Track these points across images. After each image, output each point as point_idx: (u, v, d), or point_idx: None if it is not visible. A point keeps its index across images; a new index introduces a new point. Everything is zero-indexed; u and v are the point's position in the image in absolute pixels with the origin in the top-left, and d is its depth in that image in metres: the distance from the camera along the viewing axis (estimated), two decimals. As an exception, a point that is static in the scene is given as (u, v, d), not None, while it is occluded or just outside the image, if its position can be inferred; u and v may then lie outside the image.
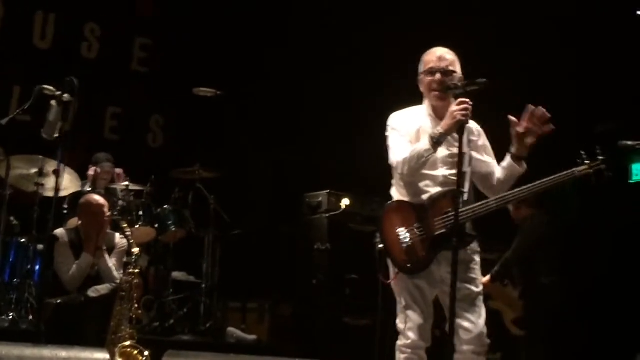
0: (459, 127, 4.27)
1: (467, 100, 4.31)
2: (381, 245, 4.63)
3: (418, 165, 4.43)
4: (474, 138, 4.59)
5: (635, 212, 7.80)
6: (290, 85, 10.12)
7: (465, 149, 4.34)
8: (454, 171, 4.41)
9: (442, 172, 4.48)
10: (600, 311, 7.79)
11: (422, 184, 4.54)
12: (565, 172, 4.42)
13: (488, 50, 8.24)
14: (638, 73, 7.76)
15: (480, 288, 4.56)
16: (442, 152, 4.45)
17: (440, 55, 4.61)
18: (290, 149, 9.82)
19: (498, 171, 4.60)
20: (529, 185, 4.46)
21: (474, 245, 4.58)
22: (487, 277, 7.17)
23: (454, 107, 4.33)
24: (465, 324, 4.44)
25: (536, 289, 7.27)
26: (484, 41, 8.33)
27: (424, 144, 4.41)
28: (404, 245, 4.51)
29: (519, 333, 7.46)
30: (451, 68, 4.57)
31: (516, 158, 4.52)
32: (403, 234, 4.52)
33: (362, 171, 8.89)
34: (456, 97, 4.37)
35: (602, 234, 8.04)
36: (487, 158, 4.64)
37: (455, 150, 4.33)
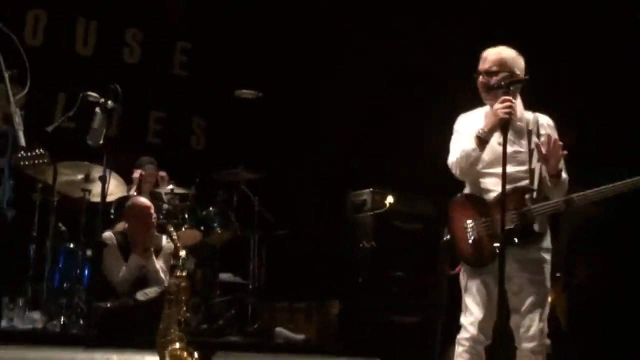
0: (503, 125, 4.32)
1: (509, 98, 4.37)
2: (447, 237, 4.72)
3: (467, 165, 4.54)
4: (543, 132, 4.60)
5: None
6: (331, 84, 10.10)
7: (534, 144, 4.47)
8: (521, 167, 4.52)
9: (508, 168, 4.40)
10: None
11: (489, 181, 4.61)
12: (635, 179, 4.38)
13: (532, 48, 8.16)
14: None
15: (547, 288, 4.56)
16: (509, 149, 4.41)
17: (485, 57, 4.68)
18: (333, 148, 9.81)
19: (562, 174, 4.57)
20: (600, 188, 4.44)
21: (546, 244, 4.58)
22: None
23: (496, 106, 4.39)
24: (527, 322, 4.47)
25: (576, 284, 7.21)
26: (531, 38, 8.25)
27: (470, 143, 4.50)
28: (471, 238, 4.58)
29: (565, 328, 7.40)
30: (494, 68, 4.60)
31: (550, 176, 4.50)
32: (470, 227, 4.59)
33: (405, 168, 8.85)
34: (498, 95, 4.45)
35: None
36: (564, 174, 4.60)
37: (518, 147, 4.51)
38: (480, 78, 4.62)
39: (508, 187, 4.39)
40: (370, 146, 9.51)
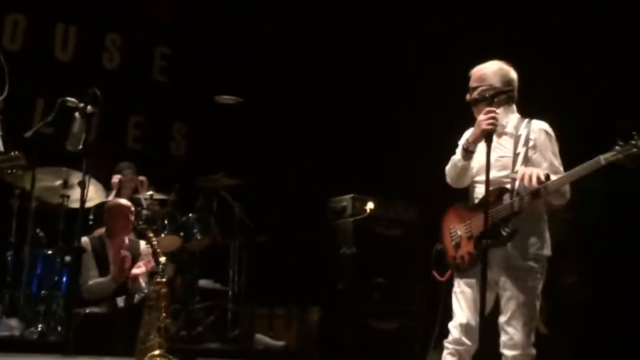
0: (486, 135, 4.41)
1: (493, 109, 4.48)
2: (439, 246, 4.89)
3: (455, 174, 4.76)
4: (533, 137, 4.65)
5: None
6: (313, 90, 10.11)
7: (521, 149, 4.60)
8: (505, 172, 4.61)
9: (493, 174, 4.49)
10: (627, 309, 7.71)
11: (477, 187, 4.76)
12: (590, 161, 4.38)
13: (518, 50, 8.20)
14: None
15: (532, 296, 4.57)
16: (493, 156, 4.48)
17: (470, 73, 4.84)
18: (314, 154, 9.80)
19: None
20: (557, 177, 4.47)
21: (533, 251, 4.60)
22: None
23: (481, 117, 4.50)
24: (510, 330, 4.50)
25: (560, 289, 7.22)
26: (510, 41, 8.29)
27: (457, 153, 4.71)
28: (453, 242, 4.78)
29: (547, 333, 7.41)
30: (474, 84, 4.77)
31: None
32: (454, 231, 4.80)
33: (386, 175, 8.86)
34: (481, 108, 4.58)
35: (628, 231, 7.95)
36: (545, 160, 4.64)
37: (503, 153, 4.63)
38: (467, 95, 4.77)
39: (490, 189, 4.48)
40: (351, 152, 9.50)
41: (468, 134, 4.76)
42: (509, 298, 4.50)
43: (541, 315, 7.16)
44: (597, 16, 8.01)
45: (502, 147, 4.66)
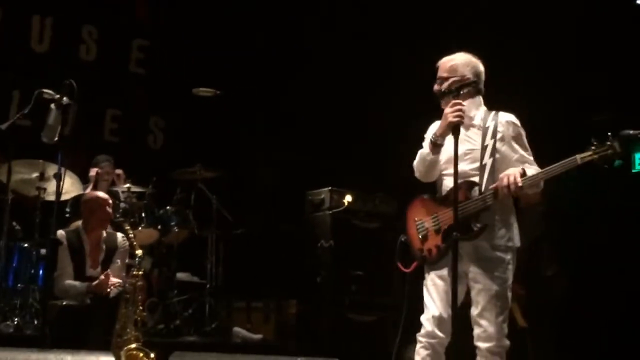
0: (454, 128, 4.42)
1: (459, 102, 4.49)
2: (403, 237, 4.85)
3: (424, 168, 4.73)
4: (501, 129, 4.67)
5: (637, 202, 7.77)
6: (290, 83, 10.10)
7: (489, 141, 4.59)
8: (473, 165, 4.62)
9: (462, 167, 4.52)
10: (604, 301, 7.76)
11: (445, 180, 4.76)
12: (567, 159, 4.43)
13: (486, 41, 8.23)
14: (636, 63, 7.74)
15: (506, 288, 4.59)
16: (461, 148, 4.51)
17: (439, 64, 4.86)
18: (291, 147, 9.80)
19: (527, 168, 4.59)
20: (532, 174, 4.49)
21: (502, 242, 4.62)
22: None
23: (447, 110, 4.51)
24: (483, 322, 4.51)
25: (538, 281, 7.25)
26: (481, 31, 8.31)
27: (425, 147, 4.70)
28: (420, 235, 4.75)
29: (526, 325, 7.44)
30: (445, 75, 4.78)
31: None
32: (420, 224, 4.77)
33: (364, 168, 8.87)
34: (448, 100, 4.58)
35: (604, 223, 8.01)
36: (514, 151, 4.67)
37: (472, 146, 4.63)
38: (435, 86, 4.79)
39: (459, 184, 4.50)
40: (329, 145, 9.51)
41: (434, 127, 4.76)
42: (480, 290, 4.51)
43: (519, 307, 7.24)
44: (571, 11, 8.07)
45: (470, 139, 4.67)
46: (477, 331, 4.52)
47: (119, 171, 8.45)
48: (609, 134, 4.41)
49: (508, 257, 4.61)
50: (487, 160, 4.55)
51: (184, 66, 10.18)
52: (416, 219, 4.79)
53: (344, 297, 8.21)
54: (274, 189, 9.95)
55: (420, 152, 4.73)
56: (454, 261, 4.19)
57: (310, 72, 9.90)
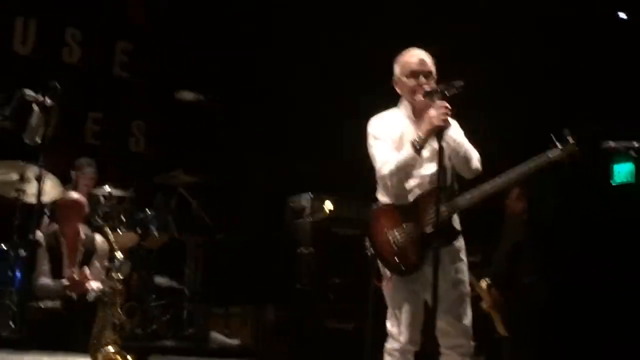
0: (439, 132, 4.28)
1: (446, 104, 4.32)
2: (371, 250, 4.65)
3: (405, 174, 4.48)
4: (452, 134, 4.52)
5: (617, 213, 7.83)
6: (272, 89, 10.11)
7: (443, 143, 4.31)
8: (434, 169, 4.41)
9: (428, 170, 4.50)
10: (584, 310, 7.81)
11: (409, 185, 4.55)
12: (538, 156, 4.45)
13: (472, 49, 8.28)
14: (619, 74, 7.81)
15: (468, 289, 4.60)
16: (424, 151, 4.44)
17: (422, 59, 4.63)
18: (273, 153, 9.81)
19: (477, 156, 4.59)
20: (507, 171, 4.49)
21: (460, 244, 4.59)
22: (485, 285, 7.24)
23: (432, 112, 4.33)
24: (451, 327, 4.46)
25: (518, 289, 7.29)
26: (466, 38, 8.37)
27: (408, 152, 4.42)
28: (396, 247, 4.52)
29: (506, 334, 7.47)
30: (432, 70, 4.60)
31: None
32: (393, 236, 4.54)
33: (344, 174, 8.88)
34: (433, 101, 4.38)
35: (584, 234, 8.07)
36: (459, 138, 4.57)
37: (436, 146, 4.32)
38: (422, 79, 4.56)
39: (425, 190, 4.49)
40: (310, 152, 9.52)
41: (380, 122, 4.66)
42: (447, 293, 4.35)
43: (500, 316, 7.28)
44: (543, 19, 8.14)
45: (431, 141, 4.44)
46: (446, 334, 4.45)
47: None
48: (565, 129, 4.43)
49: (465, 257, 4.60)
50: (447, 163, 4.41)
51: (167, 70, 10.17)
52: (387, 230, 4.55)
53: (323, 305, 8.22)
54: (254, 195, 9.95)
55: (397, 159, 4.44)
56: (435, 268, 4.07)
57: (295, 76, 9.91)
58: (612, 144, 5.43)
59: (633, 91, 7.78)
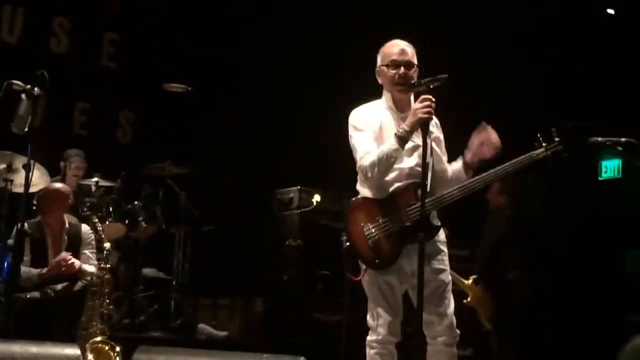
0: (423, 124, 4.30)
1: (430, 97, 4.33)
2: (348, 243, 4.62)
3: (387, 166, 4.46)
4: (433, 129, 4.58)
5: (604, 208, 7.86)
6: (260, 81, 10.09)
7: (427, 140, 4.32)
8: (417, 162, 4.46)
9: (407, 164, 4.52)
10: (568, 306, 7.84)
11: (388, 178, 4.55)
12: (524, 156, 4.50)
13: (454, 48, 8.30)
14: (605, 70, 7.84)
15: (449, 279, 4.63)
16: (410, 145, 4.47)
17: (402, 49, 4.63)
18: (261, 145, 9.80)
19: (448, 169, 4.67)
20: (491, 171, 4.53)
21: (441, 236, 4.63)
22: (471, 280, 7.25)
23: (417, 105, 4.35)
24: (435, 316, 4.48)
25: (502, 285, 7.31)
26: (450, 38, 8.39)
27: (391, 144, 4.42)
28: (370, 240, 4.52)
29: (490, 328, 7.49)
30: (413, 60, 4.61)
31: (466, 166, 4.61)
32: (368, 229, 4.53)
33: (332, 167, 8.88)
34: (419, 94, 4.40)
35: (571, 230, 8.10)
36: (442, 153, 4.70)
37: (418, 142, 4.37)
38: (402, 70, 4.57)
39: (404, 183, 4.50)
40: (298, 143, 9.52)
41: (361, 113, 4.67)
42: (429, 286, 4.36)
43: (485, 311, 7.29)
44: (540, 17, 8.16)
45: (416, 136, 4.47)
46: (430, 326, 4.47)
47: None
48: (553, 129, 4.47)
49: (446, 249, 4.64)
50: (429, 159, 4.36)
51: (155, 61, 10.14)
52: (362, 224, 4.54)
53: (310, 297, 8.23)
54: (242, 187, 9.94)
55: (381, 149, 4.43)
56: (420, 263, 4.08)
57: (280, 68, 9.90)
58: (599, 139, 5.45)
59: (621, 86, 7.82)
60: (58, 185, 7.11)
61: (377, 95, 4.80)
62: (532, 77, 8.29)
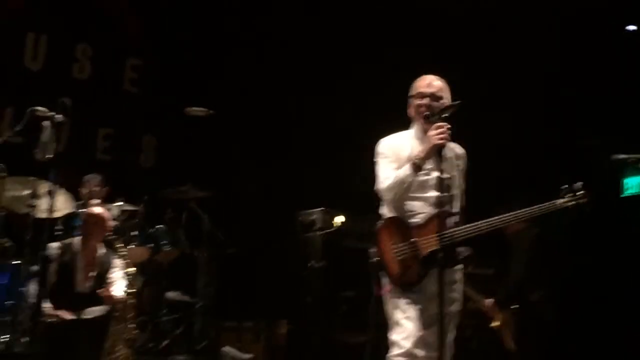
0: (437, 150, 4.46)
1: (444, 124, 4.51)
2: (376, 259, 4.81)
3: (402, 190, 4.66)
4: (459, 162, 4.80)
5: (626, 226, 7.80)
6: (282, 103, 10.11)
7: (455, 172, 4.66)
8: (445, 193, 4.54)
9: (434, 193, 4.61)
10: (592, 326, 7.77)
11: (413, 205, 4.73)
12: (547, 204, 4.58)
13: (474, 68, 8.29)
14: (626, 87, 7.80)
15: (459, 307, 4.76)
16: (434, 175, 4.58)
17: (429, 82, 4.82)
18: (283, 167, 9.81)
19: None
20: (516, 212, 4.59)
21: (460, 265, 4.75)
22: (492, 301, 7.22)
23: (431, 132, 4.52)
24: (435, 339, 4.46)
25: (526, 305, 7.25)
26: (468, 57, 8.38)
27: (406, 169, 4.62)
28: (399, 259, 4.68)
29: (515, 349, 7.43)
30: (439, 94, 4.78)
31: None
32: (398, 249, 4.69)
33: (355, 189, 8.87)
34: (433, 123, 4.56)
35: (593, 247, 8.03)
36: (462, 182, 4.84)
37: (446, 174, 4.52)
38: (426, 100, 4.75)
39: (433, 211, 4.60)
40: (321, 165, 9.52)
41: (389, 143, 4.85)
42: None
43: (509, 331, 7.24)
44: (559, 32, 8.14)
45: (443, 167, 4.57)
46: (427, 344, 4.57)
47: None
48: (580, 183, 4.52)
49: (462, 275, 4.79)
50: (456, 191, 4.65)
51: (177, 85, 10.19)
52: (392, 243, 4.73)
53: (334, 318, 8.21)
54: (265, 209, 9.94)
55: (397, 174, 4.66)
56: (440, 289, 4.25)
57: (304, 90, 9.91)
58: (622, 156, 5.44)
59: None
60: (99, 209, 7.10)
61: (402, 124, 4.94)
62: (556, 94, 8.26)
